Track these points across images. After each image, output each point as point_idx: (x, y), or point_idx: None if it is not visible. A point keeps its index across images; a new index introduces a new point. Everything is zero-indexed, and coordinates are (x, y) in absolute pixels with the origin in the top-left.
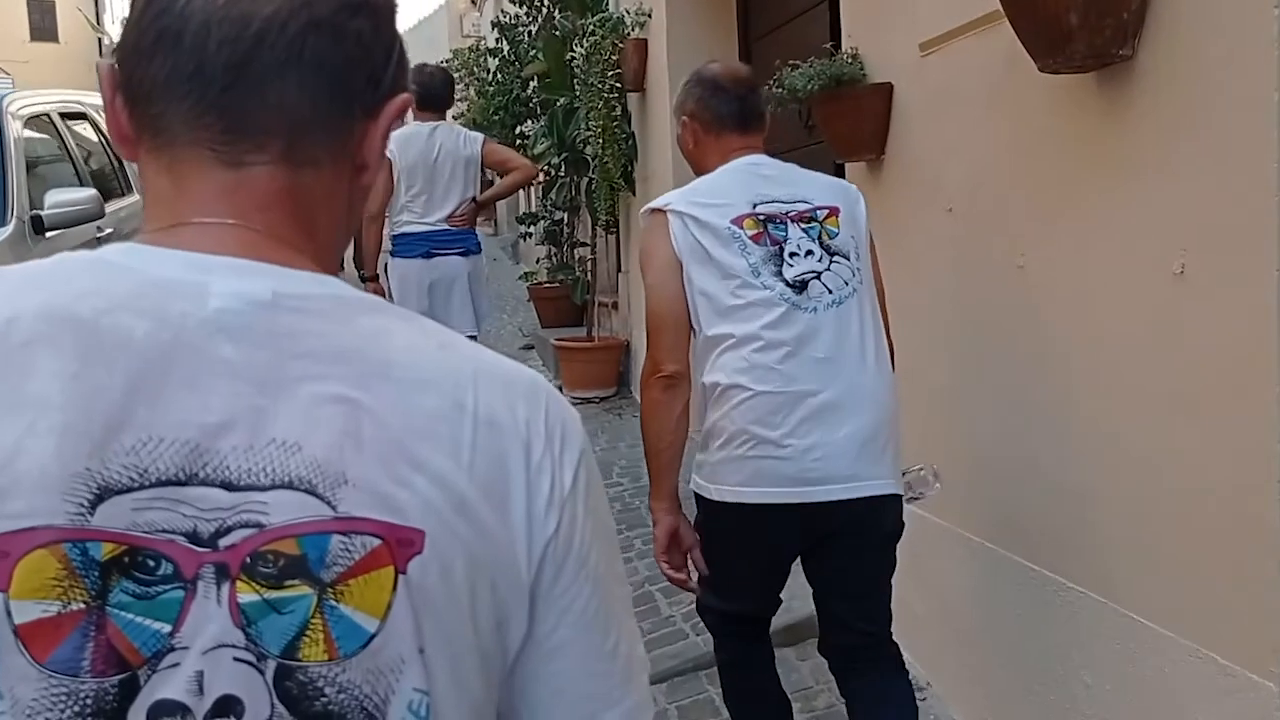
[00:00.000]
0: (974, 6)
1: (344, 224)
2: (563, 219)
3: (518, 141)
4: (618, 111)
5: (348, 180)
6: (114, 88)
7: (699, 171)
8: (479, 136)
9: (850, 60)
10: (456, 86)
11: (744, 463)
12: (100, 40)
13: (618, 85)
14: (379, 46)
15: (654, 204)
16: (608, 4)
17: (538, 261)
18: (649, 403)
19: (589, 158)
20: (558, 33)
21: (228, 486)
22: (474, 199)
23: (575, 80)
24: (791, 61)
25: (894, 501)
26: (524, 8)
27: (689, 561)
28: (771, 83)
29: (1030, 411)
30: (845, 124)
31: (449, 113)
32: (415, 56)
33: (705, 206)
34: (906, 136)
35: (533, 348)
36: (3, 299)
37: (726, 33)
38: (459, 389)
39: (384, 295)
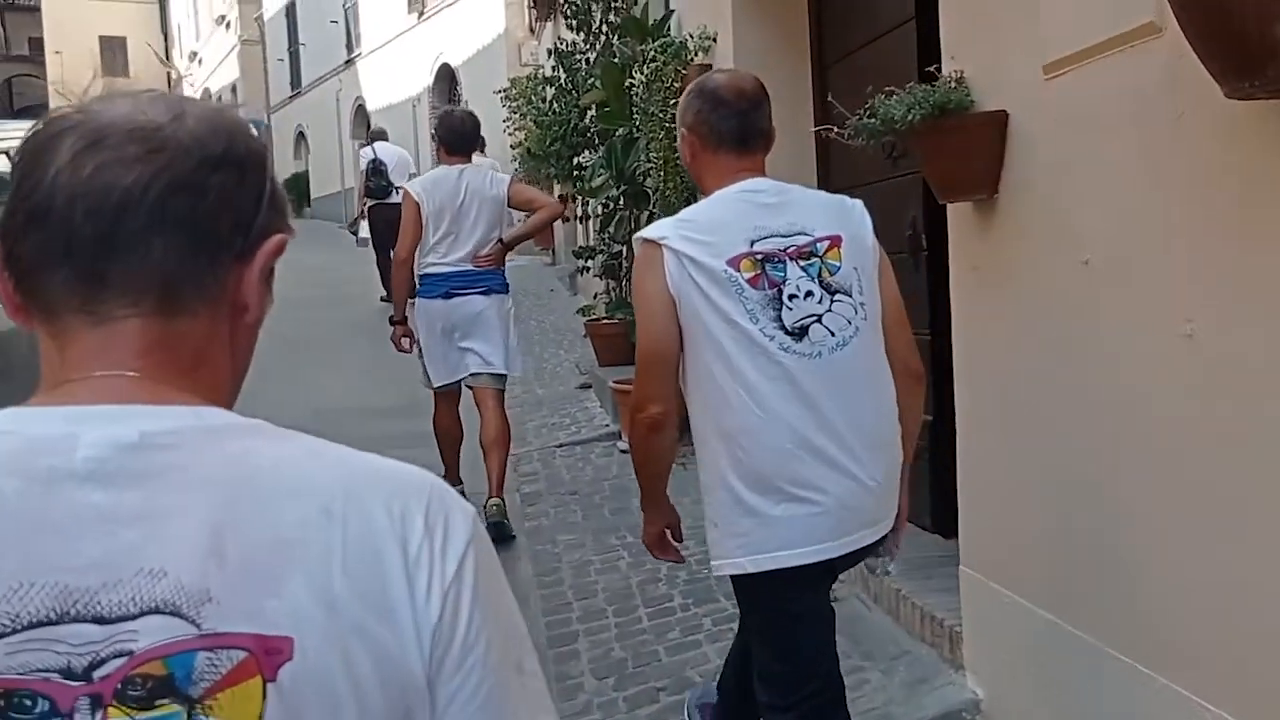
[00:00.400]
0: (1119, 18)
1: (229, 362)
2: (620, 252)
3: (575, 173)
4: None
5: (227, 321)
6: (3, 266)
7: (699, 185)
8: (505, 177)
9: (954, 85)
10: (514, 117)
11: (782, 523)
12: (169, 75)
13: None
14: (244, 196)
15: (647, 233)
16: (669, 28)
17: (595, 296)
18: (636, 439)
19: (649, 190)
20: (616, 60)
21: (99, 620)
22: (500, 239)
23: (635, 109)
24: (887, 88)
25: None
26: (582, 34)
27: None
28: (862, 112)
29: (1209, 517)
30: (951, 159)
31: (509, 145)
32: (473, 87)
33: (701, 245)
34: (1026, 173)
35: (589, 387)
36: None
37: (798, 57)
38: (326, 494)
39: (411, 338)
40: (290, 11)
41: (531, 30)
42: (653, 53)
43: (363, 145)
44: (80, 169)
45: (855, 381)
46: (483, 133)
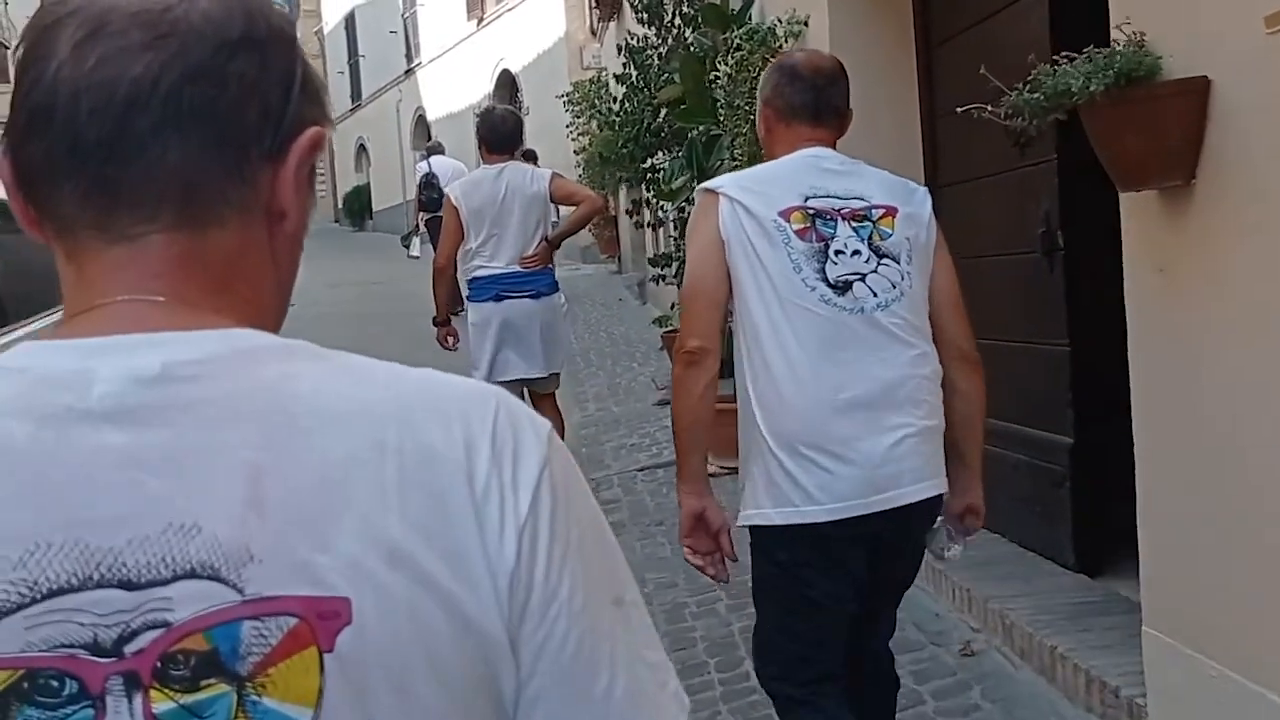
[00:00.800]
0: None
1: (271, 276)
2: None
3: (648, 175)
4: None
5: (264, 230)
6: (12, 175)
7: (770, 157)
8: (546, 173)
9: (1136, 49)
10: (577, 121)
11: (805, 477)
12: None
13: None
14: (271, 83)
15: (708, 184)
16: (750, 15)
17: (672, 306)
18: (674, 379)
19: None
20: (695, 51)
21: (127, 585)
22: (545, 239)
23: (717, 105)
24: (1066, 54)
25: (934, 504)
26: (653, 28)
27: (718, 547)
28: (1023, 86)
29: None
30: (1137, 138)
31: (573, 150)
32: (534, 92)
33: (755, 194)
34: (1235, 154)
35: (669, 404)
36: None
37: (900, 38)
38: (377, 426)
39: (455, 337)
40: (349, 23)
41: (593, 32)
42: (737, 41)
43: (421, 158)
44: (82, 61)
45: (893, 342)
46: (545, 139)
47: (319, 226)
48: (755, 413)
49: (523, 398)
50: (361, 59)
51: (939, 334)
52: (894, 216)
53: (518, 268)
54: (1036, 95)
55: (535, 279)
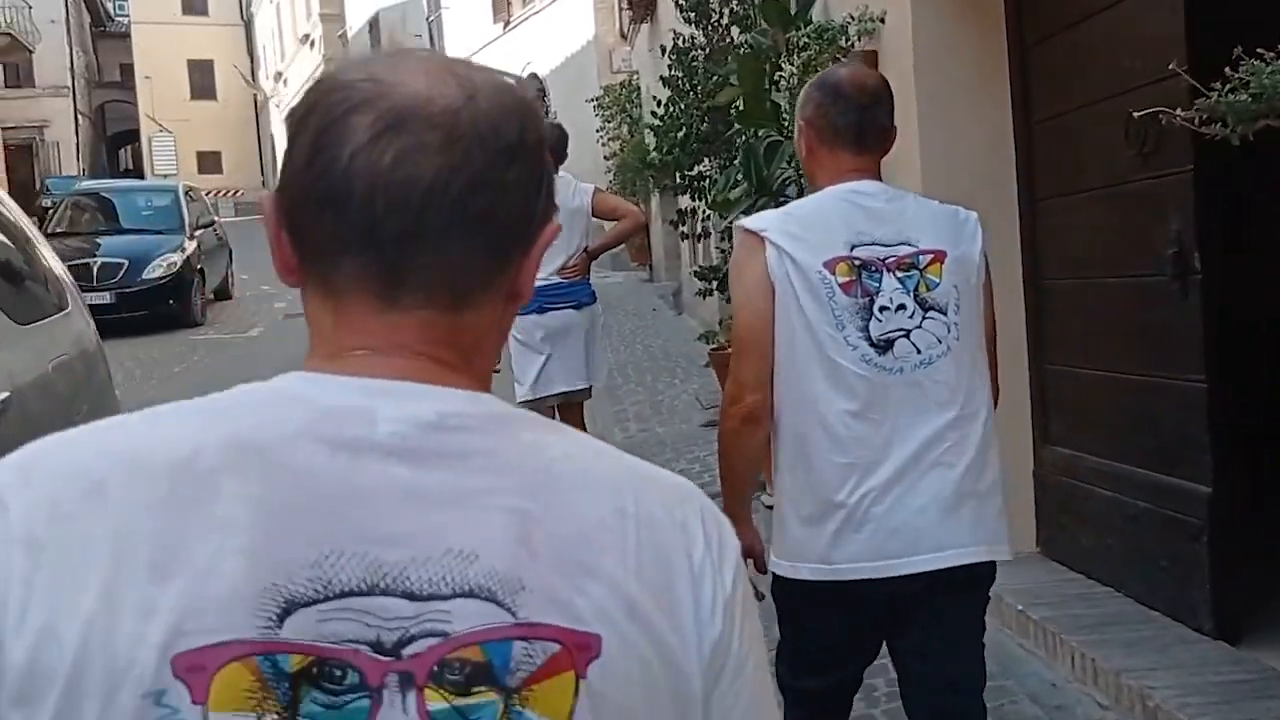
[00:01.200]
0: None
1: (498, 347)
2: None
3: (695, 184)
4: None
5: (501, 310)
6: (278, 224)
7: (811, 181)
8: (589, 187)
9: None
10: (608, 125)
11: (821, 536)
12: (255, 96)
13: None
14: (532, 187)
15: (748, 223)
16: (811, 13)
17: (721, 322)
18: (728, 433)
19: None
20: (754, 52)
21: (409, 596)
22: (586, 250)
23: (780, 109)
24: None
25: (982, 567)
26: (699, 27)
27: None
28: (1220, 88)
29: None
30: None
31: (603, 155)
32: (563, 96)
33: (800, 241)
34: None
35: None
36: (189, 433)
37: (990, 35)
38: (619, 495)
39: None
40: (374, 27)
41: (624, 35)
42: (803, 40)
43: None
44: (380, 155)
45: (931, 404)
46: (573, 143)
47: None
48: (784, 463)
49: (554, 413)
50: None
51: None
52: (942, 262)
53: (558, 279)
54: (1243, 97)
55: (576, 290)
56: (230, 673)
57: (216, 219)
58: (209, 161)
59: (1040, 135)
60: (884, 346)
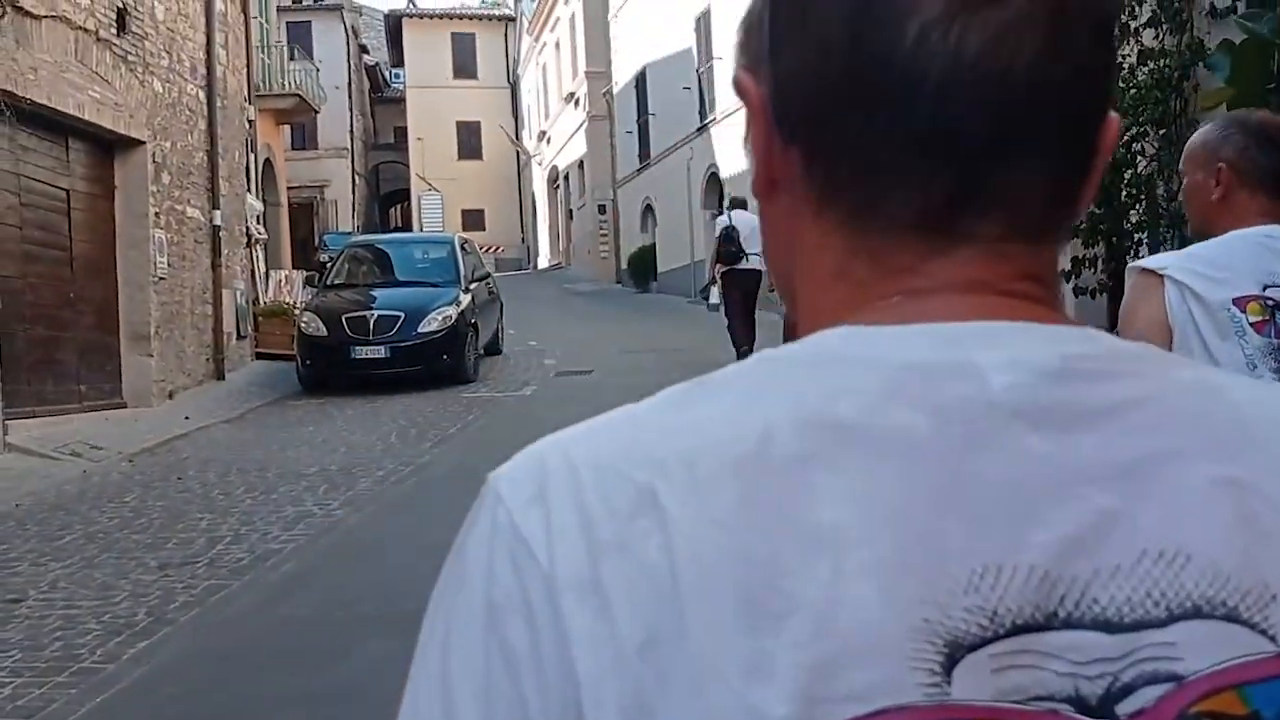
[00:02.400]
0: None
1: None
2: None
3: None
4: None
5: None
6: (768, 121)
7: (1198, 229)
8: None
9: None
10: None
11: None
12: (518, 155)
13: None
14: (1112, 78)
15: (1147, 264)
16: None
17: None
18: None
19: None
20: (1250, 42)
21: (1105, 626)
22: None
23: None
24: None
25: None
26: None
27: None
28: None
29: None
30: None
31: None
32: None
33: (1204, 278)
34: None
35: None
36: (740, 408)
37: None
38: None
39: None
40: (640, 83)
41: None
42: None
43: (716, 214)
44: (964, 33)
45: None
46: None
47: (600, 288)
48: None
49: None
50: (652, 117)
51: None
52: None
53: None
54: None
55: None
56: None
57: (492, 273)
58: (472, 219)
59: None
60: None
